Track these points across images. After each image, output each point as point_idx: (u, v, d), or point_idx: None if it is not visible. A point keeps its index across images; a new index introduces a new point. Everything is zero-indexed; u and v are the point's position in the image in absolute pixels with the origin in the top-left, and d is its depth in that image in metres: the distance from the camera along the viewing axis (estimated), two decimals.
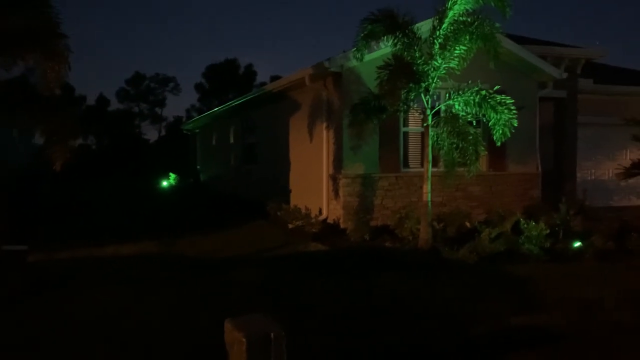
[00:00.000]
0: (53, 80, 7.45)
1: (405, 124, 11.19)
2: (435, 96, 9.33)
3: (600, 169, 14.71)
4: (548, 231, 8.78)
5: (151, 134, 51.05)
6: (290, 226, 10.91)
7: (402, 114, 10.43)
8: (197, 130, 26.11)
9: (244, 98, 15.93)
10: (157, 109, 54.30)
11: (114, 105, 50.98)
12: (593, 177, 14.62)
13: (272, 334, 3.49)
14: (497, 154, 11.46)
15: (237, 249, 9.27)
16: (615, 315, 5.67)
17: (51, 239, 10.24)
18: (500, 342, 4.88)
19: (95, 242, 9.74)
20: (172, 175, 24.65)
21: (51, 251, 8.93)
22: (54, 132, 7.77)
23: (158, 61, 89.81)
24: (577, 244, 8.72)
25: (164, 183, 24.38)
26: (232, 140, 19.22)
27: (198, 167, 25.54)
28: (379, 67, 8.57)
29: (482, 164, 11.19)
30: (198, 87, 50.88)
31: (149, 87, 53.30)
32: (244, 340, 3.46)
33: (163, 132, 52.03)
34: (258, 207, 12.73)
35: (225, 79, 47.73)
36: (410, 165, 11.21)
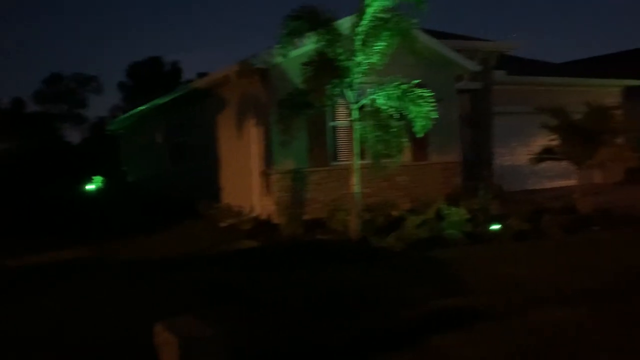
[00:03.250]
0: None
1: (333, 119, 11.43)
2: (359, 91, 9.59)
3: (515, 155, 15.63)
4: (469, 216, 9.31)
5: (74, 136, 48.56)
6: (222, 225, 10.89)
7: (328, 108, 10.64)
8: (123, 131, 25.24)
9: (169, 96, 15.61)
10: (79, 110, 51.80)
11: (32, 108, 48.18)
12: (509, 163, 15.53)
13: (203, 335, 3.50)
14: (421, 145, 11.94)
15: (168, 250, 9.15)
16: (531, 290, 6.10)
17: None
18: (427, 324, 5.09)
19: (16, 250, 9.31)
20: (98, 178, 23.71)
21: None
22: None
23: (77, 61, 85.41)
24: (495, 226, 9.28)
25: (90, 186, 23.41)
26: (159, 140, 18.75)
27: (125, 168, 24.72)
28: (304, 64, 8.73)
29: (407, 155, 11.61)
30: (121, 86, 48.97)
31: (69, 87, 50.72)
32: (175, 341, 3.44)
33: (86, 134, 49.76)
34: (189, 206, 12.57)
35: (150, 77, 46.23)
36: (340, 159, 11.46)
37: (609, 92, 16.83)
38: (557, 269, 7.04)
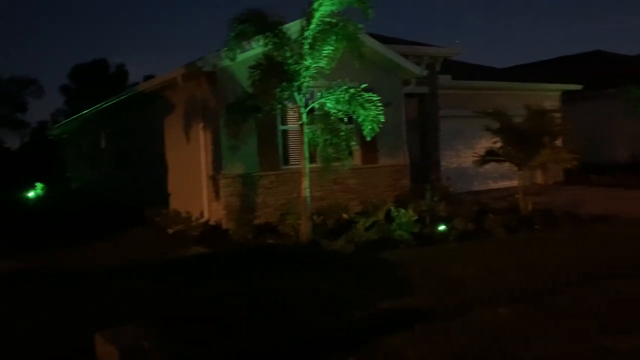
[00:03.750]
0: None
1: (283, 122, 11.40)
2: (308, 95, 9.61)
3: (461, 158, 16.07)
4: (416, 217, 9.48)
5: (13, 141, 46.42)
6: (170, 231, 10.65)
7: (278, 112, 10.61)
8: (66, 136, 24.38)
9: (114, 99, 15.19)
10: (18, 115, 49.57)
11: None
12: (455, 165, 15.94)
13: (145, 344, 3.43)
14: (369, 148, 12.08)
15: (112, 259, 8.83)
16: (475, 290, 6.22)
17: None
18: (381, 325, 5.13)
19: None
20: (39, 185, 22.76)
21: None
22: None
23: (15, 63, 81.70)
24: (442, 227, 9.49)
25: (30, 194, 22.43)
26: (105, 145, 18.23)
27: (69, 174, 23.87)
28: (251, 67, 8.68)
29: (356, 158, 11.75)
30: (64, 89, 47.24)
31: (7, 90, 48.46)
32: (116, 352, 3.36)
33: (27, 139, 47.66)
34: (136, 213, 12.24)
35: (94, 80, 44.75)
36: (290, 163, 11.44)
37: (548, 95, 17.58)
38: (501, 268, 7.23)
